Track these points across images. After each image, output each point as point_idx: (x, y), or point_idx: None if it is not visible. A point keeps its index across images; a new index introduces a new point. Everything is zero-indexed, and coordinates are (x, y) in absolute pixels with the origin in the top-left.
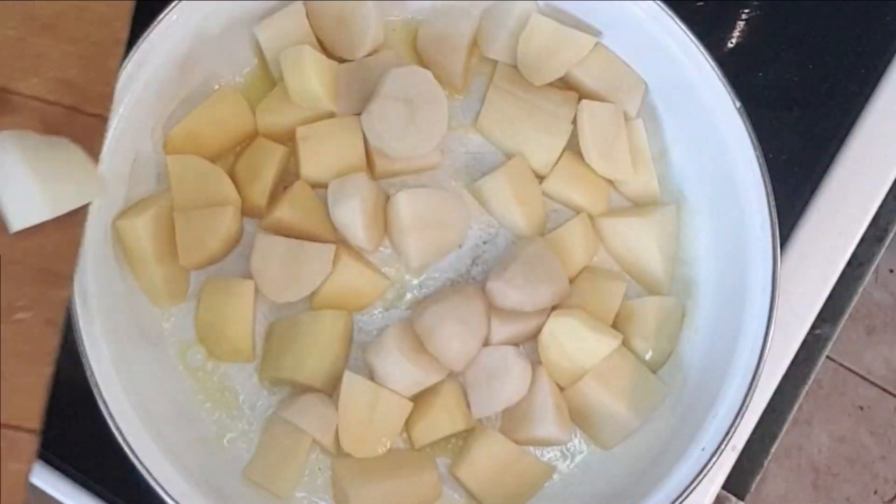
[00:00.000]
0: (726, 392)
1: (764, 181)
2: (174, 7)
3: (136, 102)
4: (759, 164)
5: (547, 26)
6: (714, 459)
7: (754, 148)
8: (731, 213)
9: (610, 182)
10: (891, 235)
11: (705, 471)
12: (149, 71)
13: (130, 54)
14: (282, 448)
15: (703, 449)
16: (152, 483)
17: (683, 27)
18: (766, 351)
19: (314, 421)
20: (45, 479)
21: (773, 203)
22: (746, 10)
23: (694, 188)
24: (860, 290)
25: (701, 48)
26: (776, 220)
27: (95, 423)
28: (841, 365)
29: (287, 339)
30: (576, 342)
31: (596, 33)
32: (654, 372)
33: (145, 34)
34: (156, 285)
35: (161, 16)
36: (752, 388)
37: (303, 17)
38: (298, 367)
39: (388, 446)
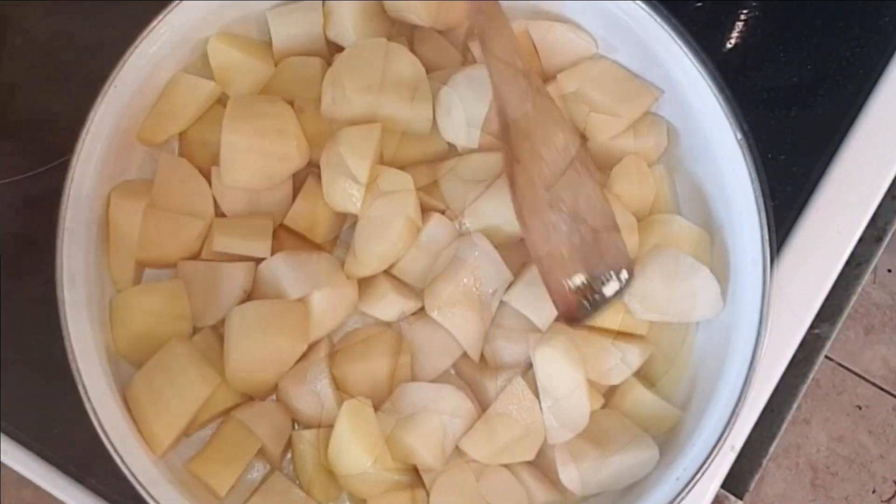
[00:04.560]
0: (704, 426)
1: (760, 215)
2: (174, 6)
3: (139, 89)
4: (756, 197)
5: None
6: (686, 490)
7: (752, 181)
8: (724, 244)
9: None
10: (889, 235)
11: (678, 500)
12: (153, 61)
13: (139, 40)
14: (229, 447)
15: (676, 479)
16: (124, 469)
17: (693, 58)
18: (745, 396)
19: (267, 427)
20: (43, 476)
21: (766, 238)
22: (745, 11)
23: (691, 212)
24: (858, 289)
25: (709, 80)
26: (769, 257)
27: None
28: (839, 364)
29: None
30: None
31: (613, 49)
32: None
33: (151, 25)
34: (126, 270)
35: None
36: (730, 425)
37: (319, 13)
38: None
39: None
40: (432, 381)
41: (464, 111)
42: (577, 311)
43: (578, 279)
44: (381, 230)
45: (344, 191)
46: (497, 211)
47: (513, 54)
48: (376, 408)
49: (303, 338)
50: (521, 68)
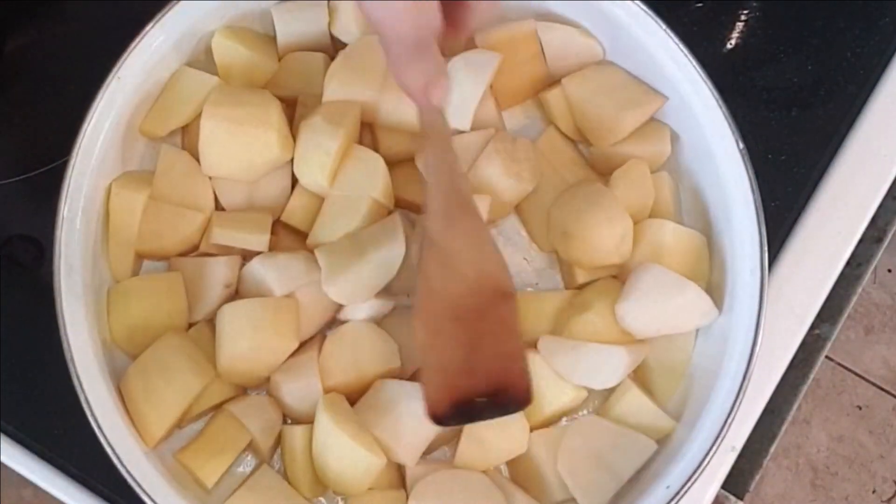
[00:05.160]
0: (697, 435)
1: (759, 225)
2: (173, 6)
3: (142, 81)
4: (756, 208)
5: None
6: (677, 499)
7: (753, 191)
8: (722, 252)
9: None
10: (889, 236)
11: None
12: (157, 54)
13: (144, 33)
14: (220, 440)
15: (667, 487)
16: (113, 458)
17: (696, 65)
18: (740, 402)
19: (259, 422)
20: (43, 476)
21: (765, 248)
22: (745, 11)
23: (691, 219)
24: (859, 290)
25: (712, 88)
26: (766, 266)
27: None
28: (839, 365)
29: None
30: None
31: (618, 54)
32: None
33: (156, 18)
34: (124, 261)
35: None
36: (722, 434)
37: (324, 10)
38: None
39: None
40: (412, 376)
41: (459, 93)
42: (448, 419)
43: (459, 392)
44: (348, 209)
45: (314, 163)
46: (482, 188)
47: (452, 173)
48: (354, 403)
49: (294, 336)
50: (458, 190)
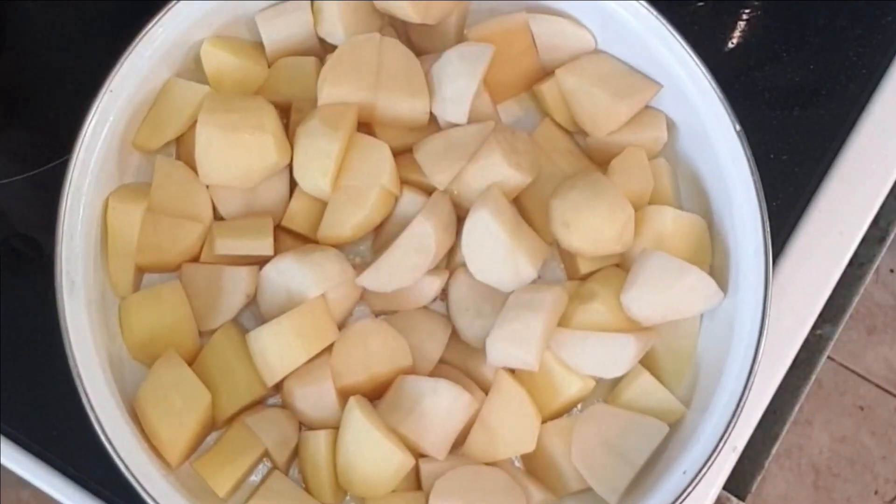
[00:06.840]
0: (709, 419)
1: (760, 207)
2: (173, 6)
3: (134, 93)
4: (756, 189)
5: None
6: (694, 484)
7: (752, 172)
8: (725, 234)
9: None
10: (892, 235)
11: (685, 495)
12: (147, 66)
13: (133, 45)
14: (233, 449)
15: (684, 472)
16: (125, 472)
17: (689, 50)
18: (751, 384)
19: (274, 435)
20: (44, 478)
21: (767, 229)
22: (747, 11)
23: (690, 204)
24: (861, 290)
25: (706, 71)
26: (770, 247)
27: None
28: (842, 365)
29: (208, 377)
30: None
31: (611, 44)
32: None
33: (145, 30)
34: (125, 275)
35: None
36: (735, 418)
37: (308, 13)
38: (233, 396)
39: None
40: (430, 372)
41: (454, 87)
42: None
43: None
44: (357, 199)
45: (315, 167)
46: (483, 179)
47: None
48: (373, 400)
49: (334, 325)
50: None
